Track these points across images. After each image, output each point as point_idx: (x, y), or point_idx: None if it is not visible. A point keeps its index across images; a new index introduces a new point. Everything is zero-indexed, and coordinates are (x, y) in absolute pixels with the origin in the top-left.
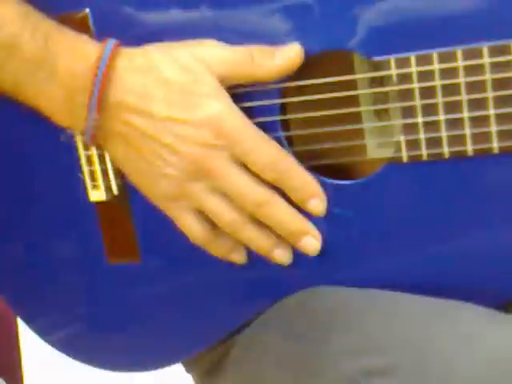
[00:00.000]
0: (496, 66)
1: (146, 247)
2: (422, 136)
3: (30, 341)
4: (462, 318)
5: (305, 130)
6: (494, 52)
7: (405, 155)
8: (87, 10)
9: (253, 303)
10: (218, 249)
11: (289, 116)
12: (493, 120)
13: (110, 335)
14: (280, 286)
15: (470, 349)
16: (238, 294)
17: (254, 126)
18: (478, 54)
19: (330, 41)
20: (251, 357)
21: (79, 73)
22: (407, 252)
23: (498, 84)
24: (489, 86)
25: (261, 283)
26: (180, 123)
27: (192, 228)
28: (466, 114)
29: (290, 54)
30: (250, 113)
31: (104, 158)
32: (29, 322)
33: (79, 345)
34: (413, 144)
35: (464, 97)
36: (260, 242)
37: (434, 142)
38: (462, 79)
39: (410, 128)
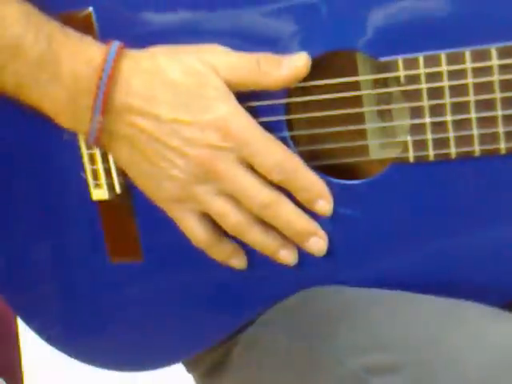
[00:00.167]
0: (504, 68)
1: (149, 246)
2: (429, 136)
3: (30, 341)
4: (469, 316)
5: (308, 129)
6: (502, 53)
7: (411, 155)
8: (91, 9)
9: (255, 303)
10: (219, 253)
11: (294, 116)
12: (500, 121)
13: (111, 334)
14: (282, 286)
15: (478, 348)
16: (239, 294)
17: (261, 128)
18: (486, 56)
19: (335, 41)
20: (254, 355)
21: (83, 75)
22: (412, 251)
23: (506, 85)
24: (497, 87)
25: (263, 283)
26: (186, 126)
27: (194, 231)
28: (473, 115)
29: (297, 64)
30: (255, 112)
31: (107, 156)
32: (29, 321)
33: (80, 344)
34: (420, 144)
35: (472, 98)
36: (266, 243)
37: (441, 143)
38: (470, 80)
39: (417, 128)
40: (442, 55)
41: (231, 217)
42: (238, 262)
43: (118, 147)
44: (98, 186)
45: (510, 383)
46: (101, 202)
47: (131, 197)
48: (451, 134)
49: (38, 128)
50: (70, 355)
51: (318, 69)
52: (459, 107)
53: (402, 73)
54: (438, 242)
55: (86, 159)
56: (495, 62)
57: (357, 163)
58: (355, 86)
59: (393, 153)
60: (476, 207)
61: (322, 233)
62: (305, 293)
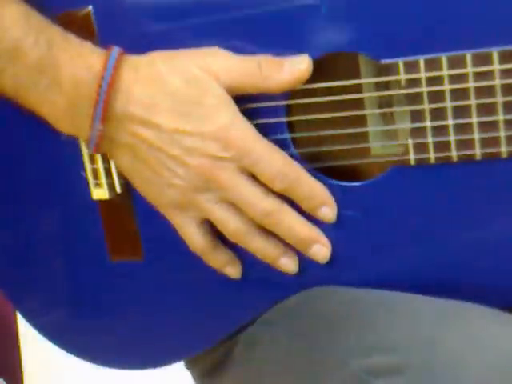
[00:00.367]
0: (506, 72)
1: (149, 246)
2: (430, 140)
3: (30, 341)
4: (470, 318)
5: (309, 131)
6: (503, 57)
7: (412, 158)
8: (90, 8)
9: (255, 304)
10: (215, 260)
11: (294, 118)
12: (502, 125)
13: (112, 332)
14: (284, 287)
15: (480, 350)
16: (240, 294)
17: (262, 137)
18: (487, 59)
19: (337, 43)
20: (254, 355)
21: (83, 82)
22: (413, 253)
23: (508, 89)
24: (498, 91)
25: (264, 284)
26: (187, 135)
27: (192, 237)
28: (475, 119)
29: (299, 66)
30: (255, 114)
31: (107, 156)
32: (29, 318)
33: (81, 342)
34: (421, 147)
35: (473, 101)
36: (266, 251)
37: (443, 146)
38: (471, 84)
39: (418, 132)
40: (443, 58)
41: (232, 224)
42: (234, 271)
43: (120, 154)
44: (98, 185)
45: None
46: (101, 202)
47: (131, 196)
48: (452, 138)
49: (38, 127)
50: (74, 353)
51: (319, 70)
52: (460, 111)
53: (402, 76)
54: (438, 243)
55: (86, 158)
56: (497, 66)
57: (358, 164)
58: (357, 87)
59: (394, 155)
60: (477, 210)
61: (324, 240)
62: (306, 293)
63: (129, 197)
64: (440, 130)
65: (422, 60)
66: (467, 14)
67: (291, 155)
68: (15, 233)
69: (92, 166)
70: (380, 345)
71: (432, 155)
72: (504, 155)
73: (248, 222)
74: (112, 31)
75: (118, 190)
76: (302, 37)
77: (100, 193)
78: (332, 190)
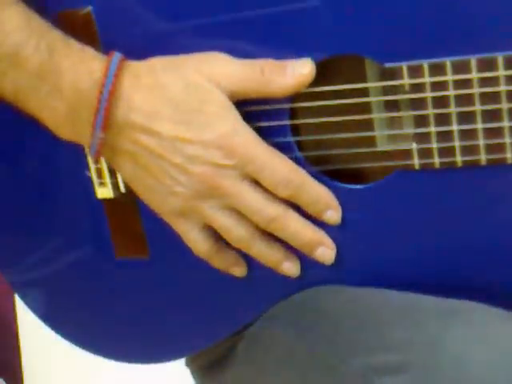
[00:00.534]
0: (511, 78)
1: (154, 244)
2: (434, 145)
3: (29, 341)
4: (475, 318)
5: (315, 135)
6: (508, 62)
7: (417, 163)
8: (91, 7)
9: (259, 302)
10: (220, 263)
11: (299, 121)
12: (507, 131)
13: (117, 328)
14: (287, 286)
15: (484, 349)
16: (244, 292)
17: (265, 143)
18: (492, 64)
19: (341, 46)
20: (257, 351)
21: (84, 89)
22: (416, 256)
23: None
24: (503, 97)
25: (267, 283)
26: (188, 143)
27: (196, 243)
28: (479, 126)
29: (302, 71)
30: (259, 117)
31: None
32: (38, 314)
33: (86, 335)
34: (425, 152)
35: (478, 107)
36: (269, 256)
37: (447, 151)
38: (475, 90)
39: (423, 137)
40: (448, 63)
41: (234, 231)
42: (239, 270)
43: (121, 162)
44: (102, 184)
45: None
46: (106, 200)
47: (136, 195)
48: (457, 144)
49: (42, 127)
50: (77, 345)
51: (324, 73)
52: (465, 117)
53: (406, 80)
54: (442, 246)
55: (89, 158)
56: (502, 72)
57: (363, 167)
58: (362, 91)
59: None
60: (481, 215)
61: (329, 242)
62: (310, 291)
63: (133, 195)
64: (445, 136)
65: (425, 64)
66: (472, 18)
67: (296, 158)
68: (21, 232)
69: (96, 165)
70: (384, 343)
71: (437, 160)
72: (509, 161)
73: (250, 228)
74: (113, 31)
75: (122, 189)
76: (306, 39)
77: (104, 192)
78: (337, 192)
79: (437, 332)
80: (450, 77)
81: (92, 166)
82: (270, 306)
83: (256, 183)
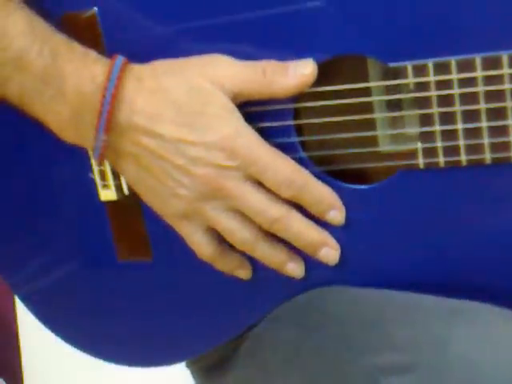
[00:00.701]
0: None
1: (158, 246)
2: (439, 144)
3: (29, 341)
4: (482, 318)
5: (318, 135)
6: None
7: (421, 162)
8: (95, 9)
9: (263, 304)
10: (224, 266)
11: (302, 121)
12: None
13: (119, 331)
14: (291, 287)
15: (491, 350)
16: (247, 294)
17: (267, 144)
18: (497, 63)
19: (344, 45)
20: (262, 352)
21: (87, 92)
22: (421, 255)
23: None
24: (508, 95)
25: (271, 284)
26: (190, 145)
27: (200, 246)
28: (484, 124)
29: (304, 71)
30: (264, 117)
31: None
32: (40, 317)
33: (87, 338)
34: (430, 151)
35: (482, 106)
36: (273, 257)
37: (452, 150)
38: (480, 88)
39: (427, 136)
40: (452, 62)
41: (238, 233)
42: (244, 273)
43: (125, 164)
44: (105, 186)
45: None
46: (109, 203)
47: (139, 197)
48: (462, 142)
49: (46, 130)
50: (79, 348)
51: (327, 73)
52: (470, 115)
53: (411, 80)
54: (447, 246)
55: (94, 160)
56: (506, 70)
57: (367, 167)
58: (366, 90)
59: (403, 158)
60: (486, 214)
61: (333, 242)
62: (315, 292)
63: (136, 198)
64: (449, 135)
65: (430, 63)
66: (477, 17)
67: (300, 158)
68: (23, 234)
69: (99, 167)
70: (390, 343)
71: (441, 159)
72: None
73: (254, 230)
74: (117, 33)
75: (126, 191)
76: (309, 40)
77: (108, 194)
78: (341, 192)
79: (444, 332)
80: (454, 75)
81: (95, 169)
82: (274, 307)
83: (259, 184)
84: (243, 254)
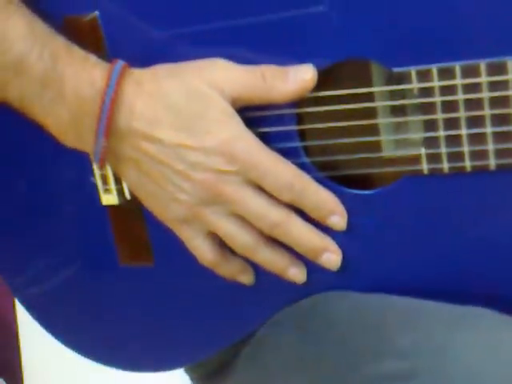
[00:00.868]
0: None
1: (160, 251)
2: (443, 150)
3: (29, 341)
4: (484, 325)
5: (321, 140)
6: None
7: (425, 168)
8: (97, 13)
9: (264, 309)
10: (226, 271)
11: (306, 126)
12: None
13: (121, 336)
14: (293, 292)
15: (493, 357)
16: (249, 299)
17: (267, 149)
18: (501, 69)
19: (348, 50)
20: (262, 356)
21: (87, 97)
22: (424, 261)
23: None
24: None
25: (273, 289)
26: (191, 150)
27: (201, 251)
28: (489, 130)
29: (304, 76)
30: (266, 122)
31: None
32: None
33: (89, 343)
34: (434, 157)
35: (487, 112)
36: (274, 263)
37: (456, 156)
38: (485, 94)
39: (432, 141)
40: (457, 67)
41: (239, 237)
42: (246, 278)
43: (125, 169)
44: (107, 191)
45: None
46: (111, 207)
47: (141, 202)
48: (466, 148)
49: (47, 133)
50: (80, 353)
51: (331, 78)
52: (474, 121)
53: (415, 85)
54: (450, 252)
55: (95, 164)
56: (511, 76)
57: (370, 172)
58: (369, 96)
59: (407, 163)
60: (490, 220)
61: (335, 247)
62: (317, 297)
63: (138, 202)
64: (454, 140)
65: (434, 69)
66: (481, 22)
67: (302, 164)
68: (24, 237)
69: (101, 171)
70: (392, 350)
71: (445, 165)
72: None
73: (255, 235)
74: (119, 36)
75: (128, 195)
76: (312, 45)
77: (109, 198)
78: (344, 198)
79: (445, 338)
80: (459, 81)
81: (97, 173)
82: (275, 312)
83: (259, 189)
84: (245, 259)
